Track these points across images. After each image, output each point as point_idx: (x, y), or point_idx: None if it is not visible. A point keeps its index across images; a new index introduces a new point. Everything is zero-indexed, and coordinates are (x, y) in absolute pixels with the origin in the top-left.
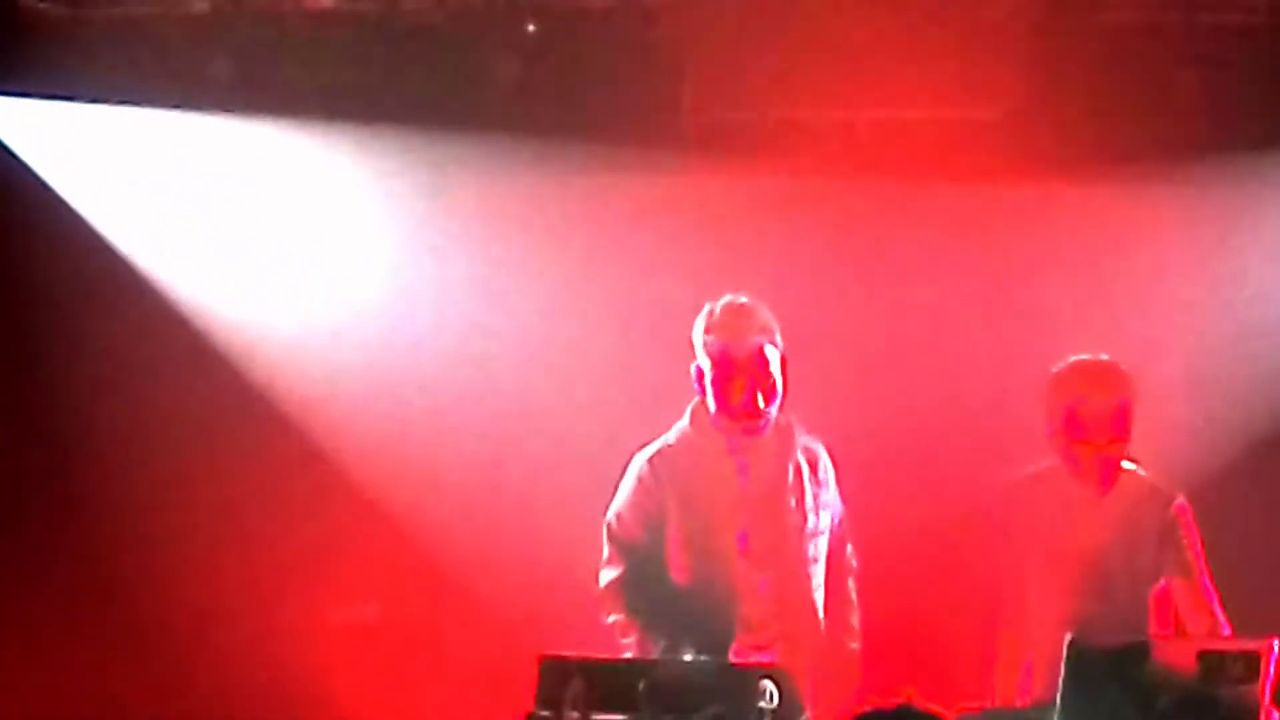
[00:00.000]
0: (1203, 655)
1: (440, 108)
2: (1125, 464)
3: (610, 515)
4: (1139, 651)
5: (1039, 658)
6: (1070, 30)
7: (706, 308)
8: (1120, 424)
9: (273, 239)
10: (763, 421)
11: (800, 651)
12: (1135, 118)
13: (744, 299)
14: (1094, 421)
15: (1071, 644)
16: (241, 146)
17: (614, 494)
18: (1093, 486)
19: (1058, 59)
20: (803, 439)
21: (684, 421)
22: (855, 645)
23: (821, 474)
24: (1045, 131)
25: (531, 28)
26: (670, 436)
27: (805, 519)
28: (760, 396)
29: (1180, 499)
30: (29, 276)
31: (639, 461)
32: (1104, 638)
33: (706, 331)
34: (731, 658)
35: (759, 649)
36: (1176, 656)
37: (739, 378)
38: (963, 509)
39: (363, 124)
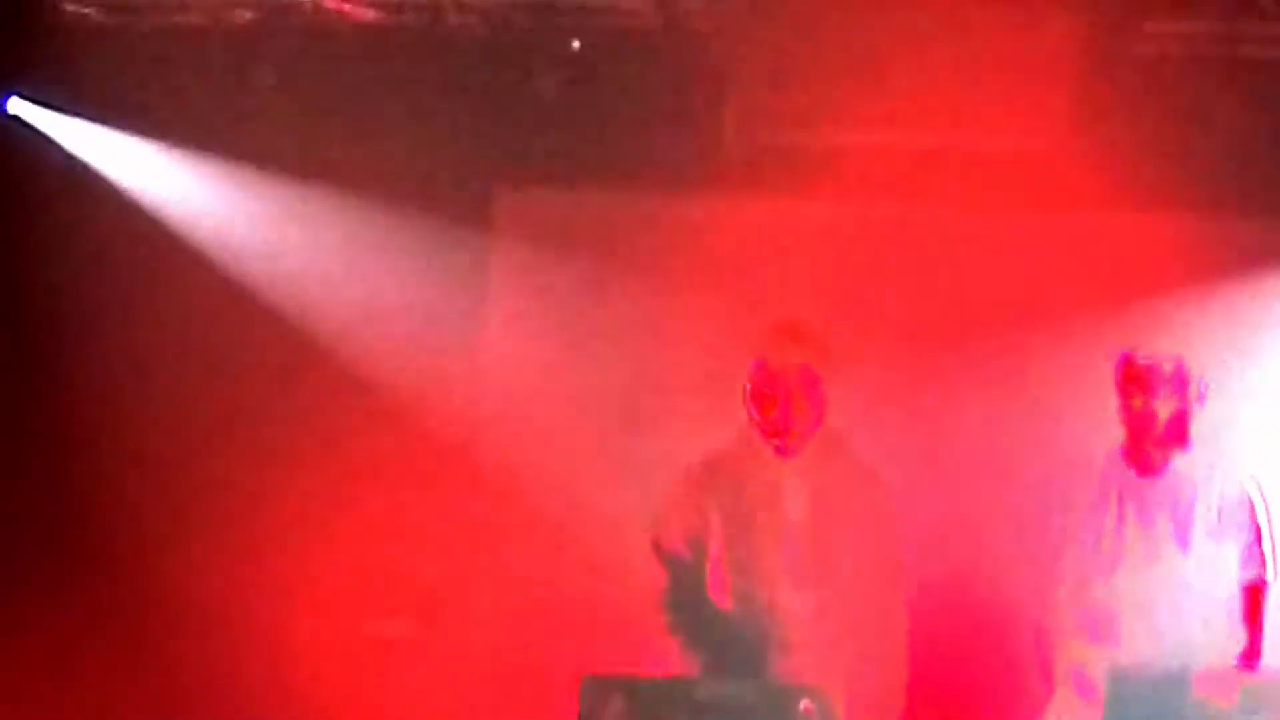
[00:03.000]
0: (1245, 688)
1: (483, 123)
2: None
3: (654, 529)
4: (1179, 681)
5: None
6: (1115, 62)
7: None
8: (1170, 384)
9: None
10: (793, 442)
11: (840, 675)
12: (1179, 148)
13: (791, 320)
14: (1146, 373)
15: (1112, 671)
16: (281, 152)
17: (659, 508)
18: (1141, 459)
19: (1103, 89)
20: (854, 461)
21: (732, 438)
22: (900, 673)
23: (873, 499)
24: (1090, 161)
25: (576, 45)
26: (717, 452)
27: (850, 541)
28: (793, 418)
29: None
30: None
31: (685, 475)
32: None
33: (753, 347)
34: (771, 678)
35: (795, 670)
36: (1218, 687)
37: (775, 397)
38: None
39: (404, 136)
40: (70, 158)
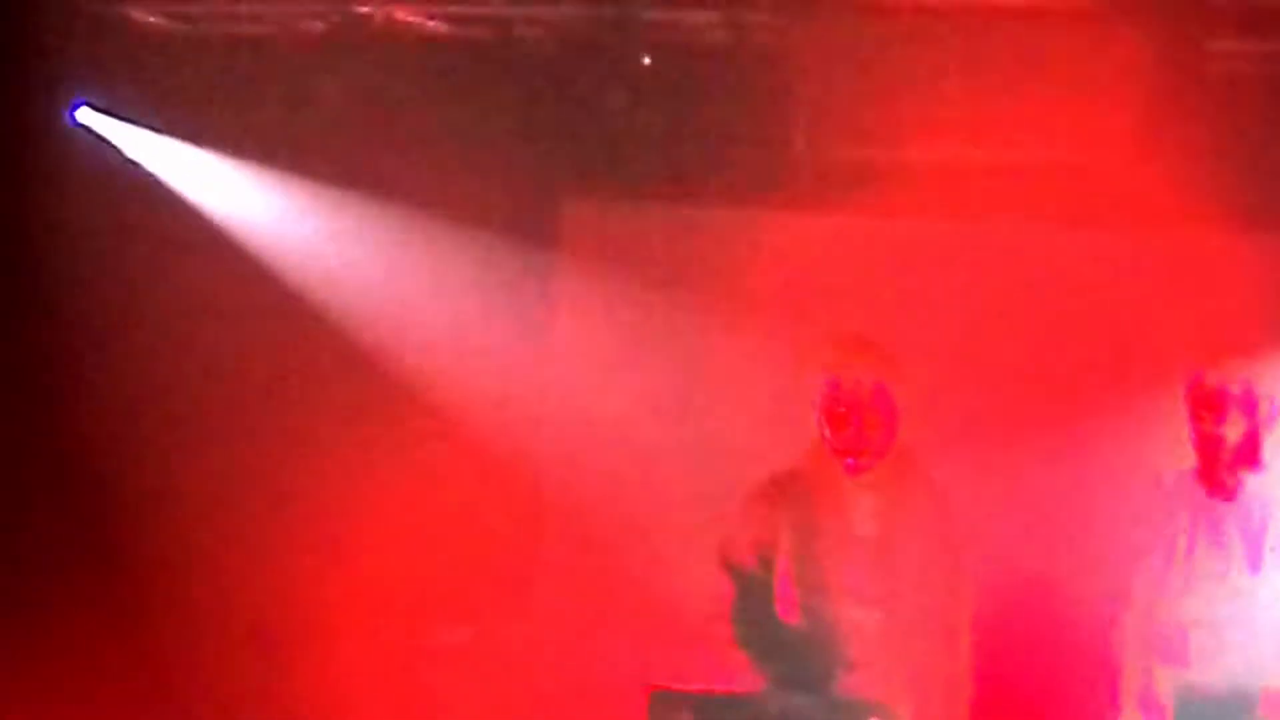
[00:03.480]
0: None
1: (551, 137)
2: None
3: (724, 541)
4: (1245, 701)
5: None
6: (1181, 80)
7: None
8: (1239, 406)
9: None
10: (865, 460)
11: (906, 692)
12: (1245, 166)
13: (863, 337)
14: (1215, 395)
15: (1178, 691)
16: (348, 165)
17: (728, 521)
18: (1213, 481)
19: (1168, 107)
20: (923, 479)
21: (803, 455)
22: (965, 691)
23: (941, 516)
24: (1156, 179)
25: (646, 60)
26: (788, 468)
27: (917, 559)
28: (866, 436)
29: None
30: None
31: (755, 491)
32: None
33: (825, 365)
34: (838, 694)
35: (860, 688)
36: None
37: (848, 415)
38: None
39: (472, 150)
40: (136, 167)
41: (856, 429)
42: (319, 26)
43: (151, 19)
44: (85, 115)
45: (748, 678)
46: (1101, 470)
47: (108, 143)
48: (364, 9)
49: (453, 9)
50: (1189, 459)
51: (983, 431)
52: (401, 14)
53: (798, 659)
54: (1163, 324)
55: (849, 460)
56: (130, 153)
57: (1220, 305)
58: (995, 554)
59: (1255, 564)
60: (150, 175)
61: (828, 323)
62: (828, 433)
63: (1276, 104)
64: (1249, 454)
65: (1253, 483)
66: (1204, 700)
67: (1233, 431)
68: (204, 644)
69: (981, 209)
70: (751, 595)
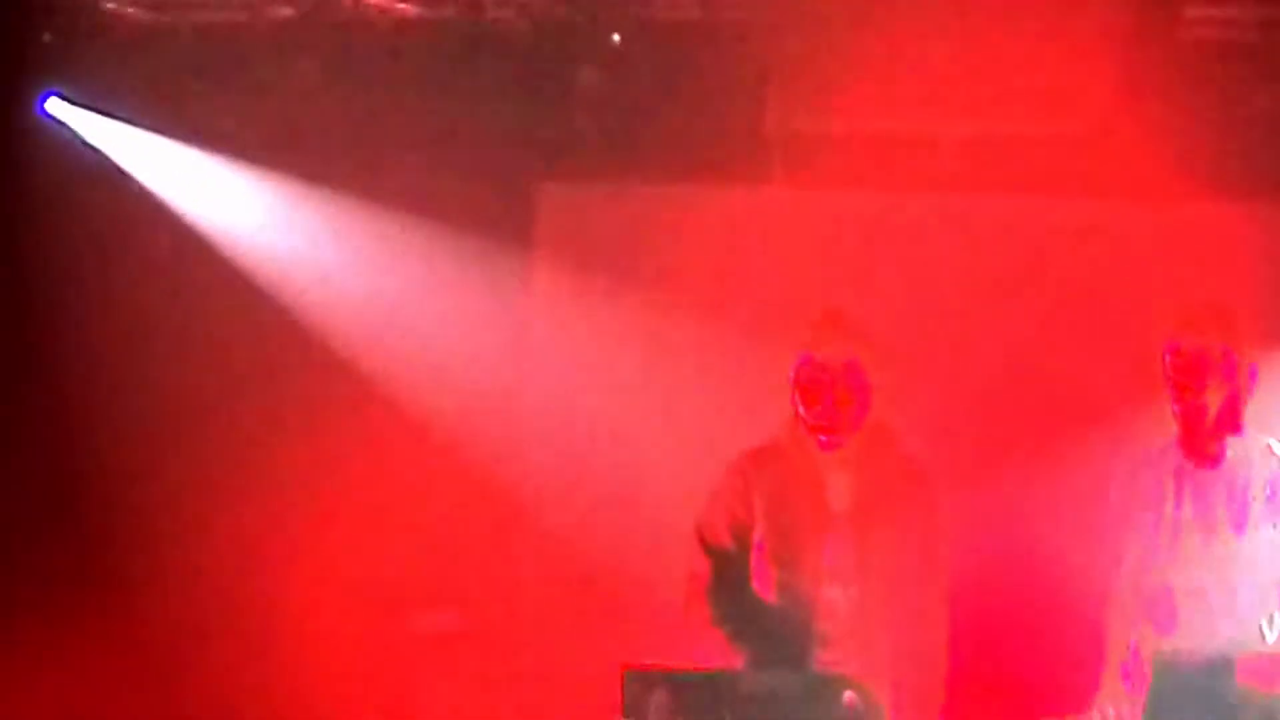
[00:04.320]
0: None
1: (523, 116)
2: (1254, 434)
3: (699, 519)
4: (1223, 667)
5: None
6: (1155, 47)
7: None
8: (1219, 373)
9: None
10: (839, 436)
11: (883, 667)
12: (1218, 133)
13: (835, 311)
14: (1194, 362)
15: (1157, 656)
16: (321, 147)
17: (703, 500)
18: (1197, 450)
19: (1142, 76)
20: (899, 454)
21: (777, 431)
22: (940, 667)
23: (918, 492)
24: (1132, 147)
25: (616, 38)
26: (762, 445)
27: (893, 534)
28: (839, 412)
29: None
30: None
31: (730, 468)
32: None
33: (798, 342)
34: (814, 670)
35: (836, 663)
36: (1262, 674)
37: (820, 391)
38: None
39: (444, 130)
40: (104, 160)
41: (829, 405)
42: (289, 12)
43: (124, 9)
44: (55, 106)
45: (724, 655)
46: (1082, 442)
47: (75, 134)
48: None
49: None
50: (1171, 428)
51: (960, 405)
52: None
53: (774, 636)
54: (1140, 292)
55: (823, 436)
56: (97, 144)
57: (1197, 272)
58: (974, 528)
59: (1240, 526)
60: (117, 167)
61: (802, 299)
62: (801, 409)
63: (1252, 70)
64: (1230, 420)
65: (1235, 447)
66: (1185, 666)
67: (1213, 398)
68: (183, 634)
69: (957, 182)
70: (727, 573)
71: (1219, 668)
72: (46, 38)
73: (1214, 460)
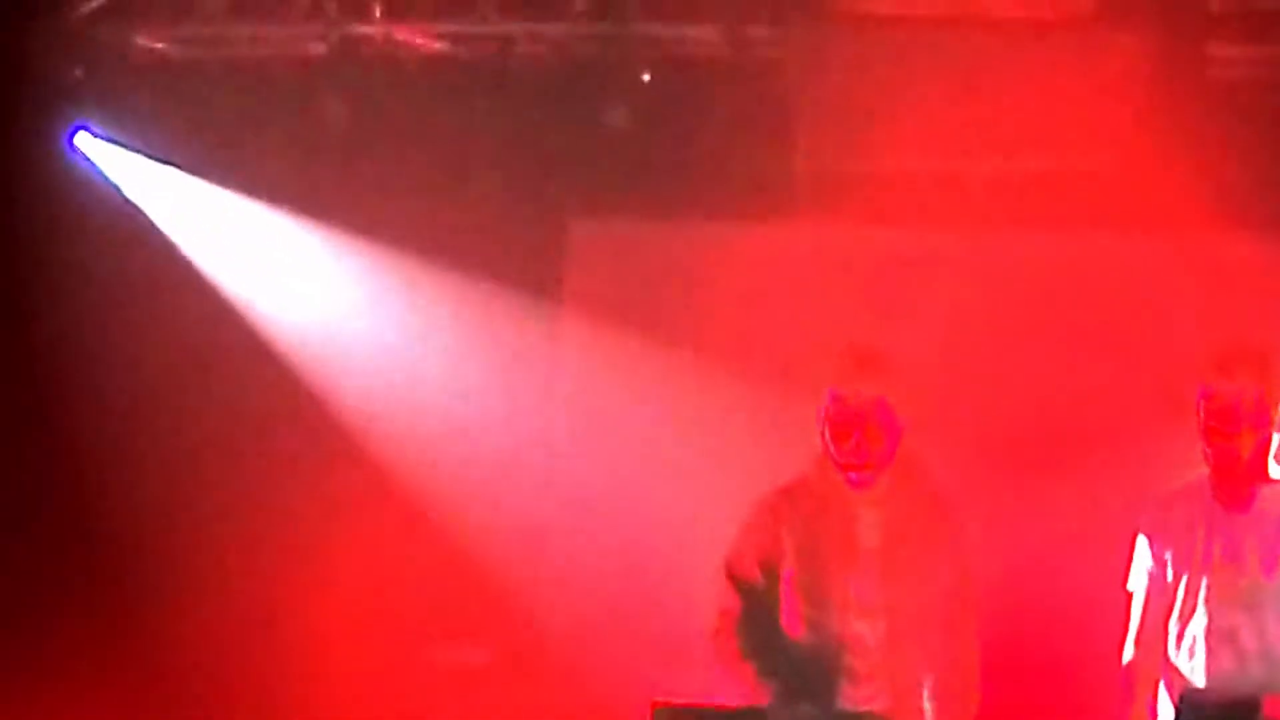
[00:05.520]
0: None
1: (553, 154)
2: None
3: (729, 554)
4: (1249, 706)
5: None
6: (1182, 85)
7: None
8: (1250, 420)
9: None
10: (868, 472)
11: (911, 705)
12: (1246, 169)
13: (865, 348)
14: (1220, 410)
15: (1184, 698)
16: (350, 184)
17: (733, 536)
18: (1228, 494)
19: (1170, 113)
20: (928, 491)
21: (808, 467)
22: (972, 704)
23: (946, 527)
24: (1159, 184)
25: (646, 77)
26: (792, 481)
27: (922, 572)
28: (869, 449)
29: None
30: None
31: (760, 504)
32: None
33: (827, 378)
34: (842, 707)
35: (864, 700)
36: None
37: (850, 428)
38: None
39: (474, 168)
40: (126, 202)
41: (858, 441)
42: (319, 48)
43: (155, 45)
44: (84, 141)
45: (753, 691)
46: (1112, 481)
47: (101, 171)
48: (365, 29)
49: (453, 28)
50: (1201, 468)
51: (989, 442)
52: (402, 34)
53: (803, 672)
54: (1169, 332)
55: (852, 474)
56: (123, 182)
57: (1226, 312)
58: (1003, 566)
59: (1269, 568)
60: (140, 205)
61: (830, 335)
62: (830, 445)
63: (1276, 109)
64: (1262, 464)
65: (1267, 492)
66: (1213, 706)
67: (1246, 443)
68: (198, 663)
69: (983, 219)
70: (756, 608)
71: (1246, 708)
72: (78, 73)
73: (1245, 504)
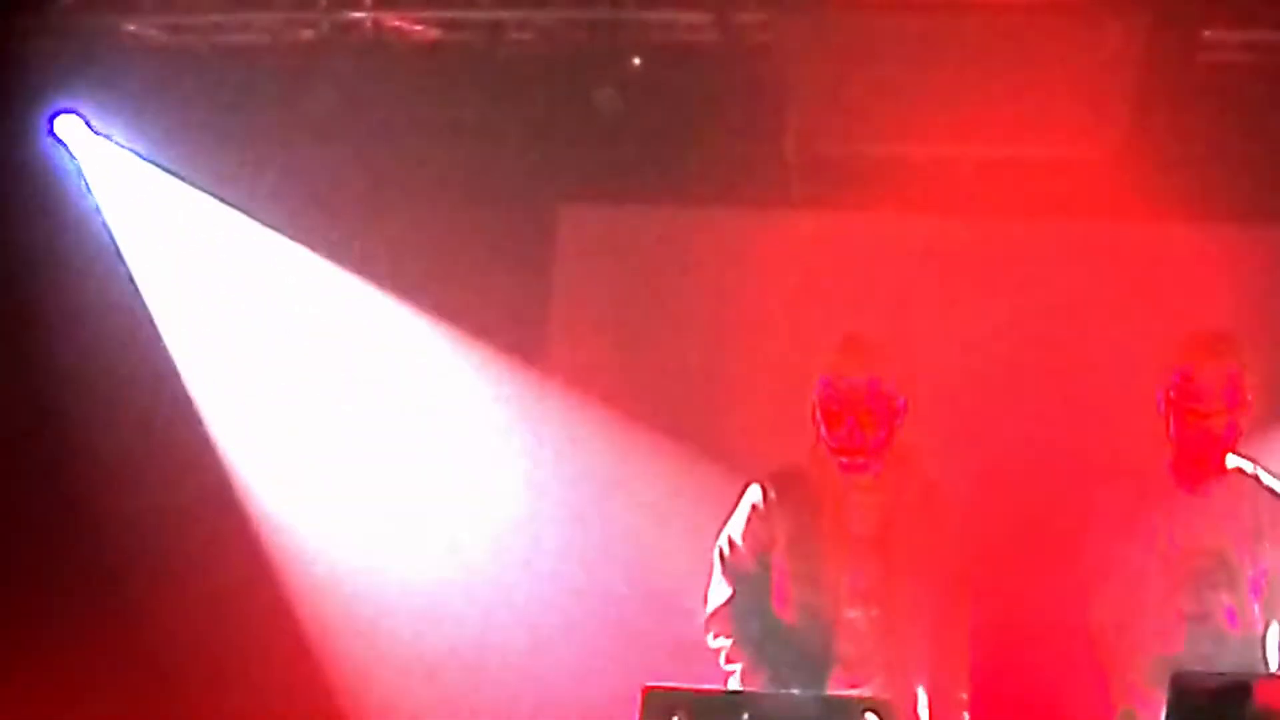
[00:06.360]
0: None
1: (544, 140)
2: (1240, 462)
3: (722, 540)
4: (1240, 689)
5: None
6: (1172, 71)
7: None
8: (1225, 398)
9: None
10: (862, 460)
11: (903, 689)
12: (1238, 157)
13: (857, 334)
14: (1198, 390)
15: (1175, 678)
16: (340, 169)
17: (725, 520)
18: (1189, 476)
19: (1163, 98)
20: (925, 477)
21: (800, 453)
22: (963, 692)
23: (939, 514)
24: (1150, 170)
25: (637, 62)
26: (785, 467)
27: (915, 557)
28: (862, 435)
29: None
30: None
31: (754, 488)
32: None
33: (819, 364)
34: (834, 692)
35: (855, 685)
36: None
37: (843, 414)
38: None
39: (465, 154)
40: (97, 191)
41: (851, 428)
42: (309, 35)
43: (145, 31)
44: (64, 126)
45: (745, 676)
46: (1098, 465)
47: (83, 157)
48: (355, 15)
49: (444, 14)
50: (1163, 454)
51: (978, 428)
52: (392, 20)
53: (795, 657)
54: (1156, 316)
55: (844, 459)
56: (91, 172)
57: (1211, 297)
58: (993, 552)
59: (1243, 552)
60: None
61: (823, 321)
62: (824, 432)
63: (1269, 94)
64: (1229, 447)
65: (1225, 479)
66: (1198, 690)
67: (1218, 423)
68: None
69: (975, 205)
70: (749, 594)
71: (1236, 691)
72: (67, 59)
73: (1204, 487)
